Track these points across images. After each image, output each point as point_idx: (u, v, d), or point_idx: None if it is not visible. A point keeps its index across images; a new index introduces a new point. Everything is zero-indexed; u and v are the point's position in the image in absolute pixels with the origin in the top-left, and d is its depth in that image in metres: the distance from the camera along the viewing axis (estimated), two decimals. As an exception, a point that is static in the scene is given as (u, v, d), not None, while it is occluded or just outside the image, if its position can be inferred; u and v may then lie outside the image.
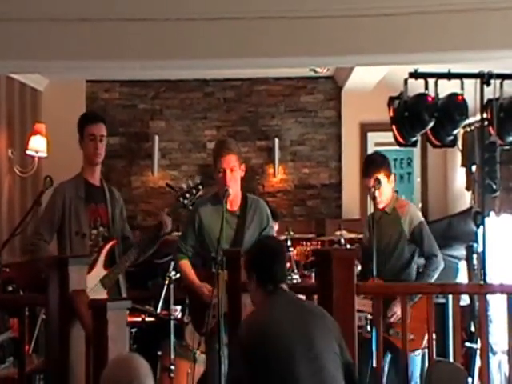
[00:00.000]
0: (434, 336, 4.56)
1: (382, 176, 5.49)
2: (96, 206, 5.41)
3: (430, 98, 4.82)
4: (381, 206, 5.56)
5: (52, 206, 5.35)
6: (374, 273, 5.18)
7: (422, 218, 5.62)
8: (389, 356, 5.36)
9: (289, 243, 7.22)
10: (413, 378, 5.24)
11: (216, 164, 5.13)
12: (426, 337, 5.09)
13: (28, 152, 7.86)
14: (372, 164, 5.60)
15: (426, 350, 4.97)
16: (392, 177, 5.60)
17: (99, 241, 5.36)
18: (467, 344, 5.11)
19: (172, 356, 5.81)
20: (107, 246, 5.33)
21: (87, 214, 5.34)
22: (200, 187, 5.41)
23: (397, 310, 5.25)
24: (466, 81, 4.82)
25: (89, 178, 5.43)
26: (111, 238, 5.38)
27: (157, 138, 8.73)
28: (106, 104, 8.82)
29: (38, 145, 7.87)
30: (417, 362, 5.33)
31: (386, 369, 5.36)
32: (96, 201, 5.42)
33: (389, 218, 5.55)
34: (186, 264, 5.26)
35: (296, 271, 6.41)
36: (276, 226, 6.33)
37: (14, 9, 5.38)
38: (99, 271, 5.23)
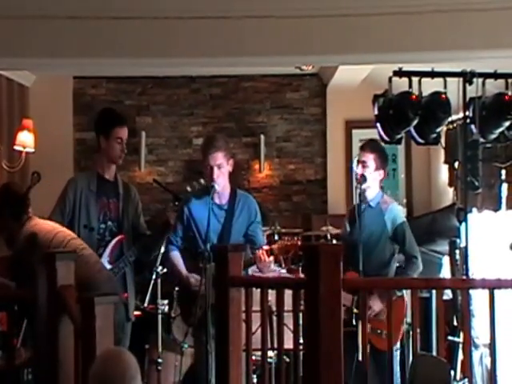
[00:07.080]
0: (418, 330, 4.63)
1: (370, 159, 5.49)
2: (107, 201, 5.43)
3: (413, 96, 4.87)
4: (363, 186, 5.47)
5: (63, 198, 5.36)
6: (361, 266, 5.21)
7: (405, 219, 5.66)
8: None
9: (276, 238, 7.25)
10: (394, 374, 5.31)
11: (204, 160, 5.23)
12: (400, 334, 5.19)
13: (15, 147, 7.88)
14: (367, 143, 5.65)
15: (405, 345, 5.04)
16: (382, 171, 5.57)
17: (106, 235, 5.39)
18: (450, 338, 5.20)
19: (159, 349, 5.87)
20: (114, 241, 5.38)
21: (97, 207, 5.37)
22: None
23: (373, 305, 5.27)
24: (449, 79, 4.88)
25: (103, 172, 5.46)
26: (119, 232, 5.43)
27: (144, 133, 8.73)
28: (93, 100, 8.80)
29: (25, 140, 7.88)
30: (395, 357, 5.34)
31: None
32: (108, 195, 5.44)
33: (373, 212, 5.55)
34: (175, 255, 5.36)
35: (283, 265, 6.45)
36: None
37: (1, 6, 5.41)
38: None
